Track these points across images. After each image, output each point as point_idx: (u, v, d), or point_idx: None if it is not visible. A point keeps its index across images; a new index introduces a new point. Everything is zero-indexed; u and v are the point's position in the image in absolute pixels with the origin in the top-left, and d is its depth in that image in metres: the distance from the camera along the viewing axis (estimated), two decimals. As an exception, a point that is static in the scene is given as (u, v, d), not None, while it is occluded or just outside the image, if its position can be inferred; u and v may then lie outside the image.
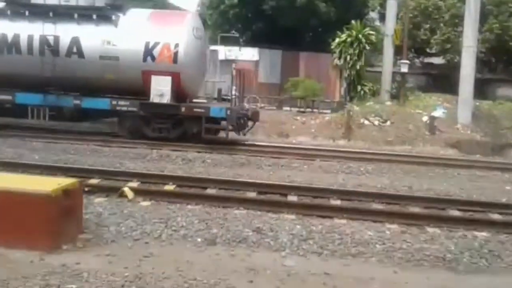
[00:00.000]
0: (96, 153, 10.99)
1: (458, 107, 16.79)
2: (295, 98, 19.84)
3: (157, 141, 12.34)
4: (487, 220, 7.03)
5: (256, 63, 22.23)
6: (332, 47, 20.38)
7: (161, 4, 26.06)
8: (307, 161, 11.20)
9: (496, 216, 7.25)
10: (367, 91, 20.13)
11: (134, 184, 7.96)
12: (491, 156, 14.33)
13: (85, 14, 12.98)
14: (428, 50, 24.80)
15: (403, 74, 19.32)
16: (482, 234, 6.38)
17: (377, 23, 26.29)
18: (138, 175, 8.50)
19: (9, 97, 13.14)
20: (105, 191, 7.53)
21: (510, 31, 22.13)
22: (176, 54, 12.60)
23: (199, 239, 5.74)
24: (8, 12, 13.31)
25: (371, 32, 20.62)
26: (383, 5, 22.91)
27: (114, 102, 12.85)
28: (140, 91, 12.79)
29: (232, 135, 13.08)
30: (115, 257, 5.03)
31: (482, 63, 21.56)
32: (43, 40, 12.90)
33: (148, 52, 12.66)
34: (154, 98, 12.61)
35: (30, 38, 13.00)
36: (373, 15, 27.13)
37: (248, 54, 22.22)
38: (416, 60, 25.58)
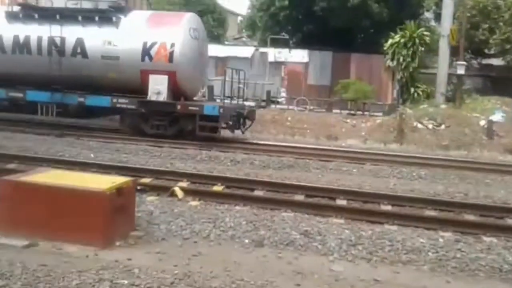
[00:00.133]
0: (148, 153, 11.27)
1: (519, 110, 15.96)
2: (346, 101, 19.58)
3: (156, 138, 12.86)
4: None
5: (306, 65, 22.12)
6: (385, 48, 19.95)
7: (212, 7, 26.53)
8: (356, 165, 10.99)
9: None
10: (420, 93, 19.55)
11: (184, 184, 8.10)
12: (555, 163, 13.50)
13: (88, 16, 13.66)
14: (486, 51, 23.71)
15: (459, 76, 18.60)
16: (544, 246, 6.01)
17: (432, 23, 25.45)
18: (187, 175, 8.64)
19: (20, 95, 14.03)
20: (156, 190, 7.72)
21: None
22: (172, 53, 13.03)
23: (246, 240, 5.77)
24: (20, 15, 14.18)
25: (426, 32, 20.00)
26: (438, 4, 22.14)
27: (114, 100, 13.45)
28: (139, 89, 13.28)
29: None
30: (165, 254, 5.14)
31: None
32: (51, 41, 13.66)
33: (146, 52, 13.15)
34: (151, 96, 13.12)
35: (39, 39, 13.81)
36: (428, 15, 26.30)
37: (298, 56, 22.16)
38: (474, 62, 24.52)
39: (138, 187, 7.01)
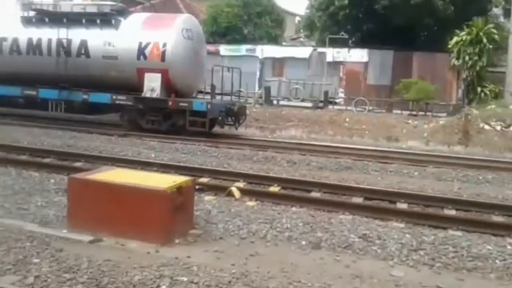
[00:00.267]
0: (206, 153, 11.49)
1: None
2: (407, 101, 18.94)
3: (150, 133, 13.67)
4: None
5: (365, 64, 21.64)
6: (449, 46, 19.11)
7: (270, 8, 26.59)
8: (418, 167, 10.60)
9: None
10: (488, 93, 18.57)
11: (241, 184, 8.18)
12: None
13: (91, 19, 14.69)
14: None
15: (531, 75, 17.47)
16: None
17: (501, 19, 24.08)
18: (244, 175, 8.71)
19: (34, 92, 15.24)
20: (214, 190, 7.85)
21: None
22: (164, 52, 13.84)
23: (303, 242, 5.72)
24: (34, 19, 15.43)
25: (494, 29, 18.94)
26: (508, 0, 20.93)
27: (114, 97, 14.40)
28: (136, 87, 14.12)
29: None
30: (223, 253, 5.20)
31: None
32: (59, 43, 14.81)
33: (141, 51, 14.03)
34: (146, 93, 14.01)
35: (49, 41, 14.97)
36: (497, 11, 24.91)
37: (357, 55, 21.74)
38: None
39: (197, 187, 7.15)
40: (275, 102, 20.41)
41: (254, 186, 8.23)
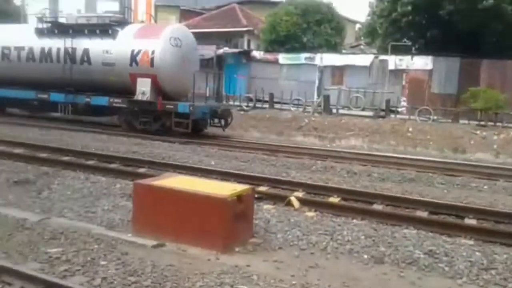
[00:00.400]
0: (264, 162, 11.50)
1: None
2: (475, 110, 18.02)
3: (143, 133, 14.74)
4: None
5: (430, 72, 20.85)
6: (521, 53, 18.02)
7: (330, 16, 26.36)
8: (488, 181, 10.04)
9: None
10: None
11: (300, 194, 8.10)
12: None
13: (93, 30, 16.33)
14: None
15: None
16: None
17: None
18: (303, 185, 8.62)
19: (46, 96, 17.02)
20: (272, 199, 7.82)
21: None
22: (152, 59, 15.17)
23: (365, 256, 5.55)
24: (45, 31, 17.26)
25: None
26: None
27: (111, 100, 15.85)
28: (130, 90, 15.49)
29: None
30: (282, 263, 5.16)
31: None
32: (66, 51, 16.54)
33: (133, 58, 15.40)
34: (138, 96, 15.31)
35: (58, 50, 16.76)
36: None
37: (421, 63, 20.99)
38: None
39: (256, 195, 7.15)
40: (334, 110, 20.14)
41: (313, 196, 8.12)
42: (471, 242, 6.12)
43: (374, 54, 23.65)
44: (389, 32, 23.13)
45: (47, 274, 4.30)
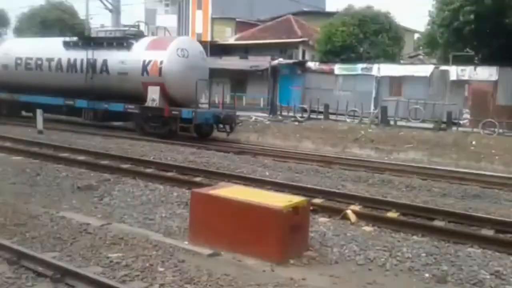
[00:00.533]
0: (318, 174, 11.35)
1: None
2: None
3: (154, 137, 15.92)
4: None
5: (495, 83, 19.87)
6: None
7: (388, 26, 25.80)
8: (560, 199, 9.35)
9: None
10: None
11: (356, 207, 7.90)
12: None
13: (110, 42, 18.07)
14: None
15: None
16: None
17: None
18: (360, 198, 8.41)
19: (72, 102, 18.76)
20: (328, 212, 7.69)
21: None
22: (161, 68, 16.60)
23: (426, 274, 5.31)
24: (71, 43, 19.21)
25: None
26: None
27: (126, 106, 17.32)
28: (142, 97, 16.87)
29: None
30: (338, 279, 5.04)
31: None
32: (88, 62, 18.21)
33: (145, 68, 16.91)
34: (149, 102, 16.74)
35: (81, 61, 18.51)
36: None
37: (485, 73, 20.05)
38: None
39: (311, 207, 7.05)
40: (392, 122, 19.62)
41: (371, 210, 7.89)
42: (544, 264, 5.69)
43: (434, 64, 22.89)
44: (450, 41, 22.29)
45: (108, 278, 4.43)
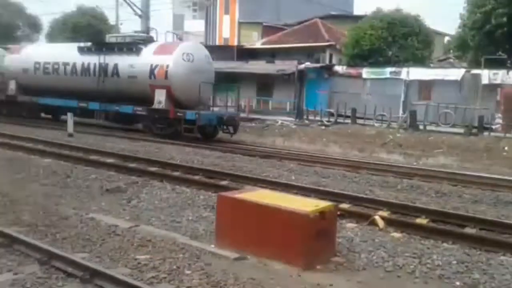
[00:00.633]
0: (346, 178, 11.22)
1: None
2: None
3: (160, 138, 16.74)
4: None
5: (529, 87, 19.32)
6: None
7: (417, 29, 25.40)
8: None
9: None
10: None
11: (385, 213, 7.77)
12: None
13: (121, 48, 19.07)
14: None
15: None
16: None
17: None
18: (388, 204, 8.25)
19: (85, 105, 19.77)
20: (355, 217, 7.59)
21: None
22: (166, 72, 17.42)
23: (457, 283, 5.16)
24: (85, 49, 20.29)
25: None
26: None
27: (135, 108, 18.21)
28: (150, 100, 17.70)
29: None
30: (366, 285, 4.96)
31: None
32: (100, 66, 19.19)
33: (152, 72, 17.76)
34: (155, 105, 17.56)
35: (94, 65, 19.50)
36: None
37: (518, 77, 19.52)
38: None
39: (338, 212, 6.97)
40: (421, 127, 19.27)
41: (399, 216, 7.74)
42: None
43: (465, 68, 22.40)
44: (481, 44, 21.80)
45: (136, 280, 4.47)
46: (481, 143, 16.13)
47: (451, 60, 30.14)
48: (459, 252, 6.07)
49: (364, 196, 8.93)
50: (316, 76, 25.21)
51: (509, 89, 19.78)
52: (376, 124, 20.40)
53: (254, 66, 27.55)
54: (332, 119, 21.72)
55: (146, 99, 17.85)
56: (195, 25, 44.34)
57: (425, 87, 21.78)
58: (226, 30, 40.23)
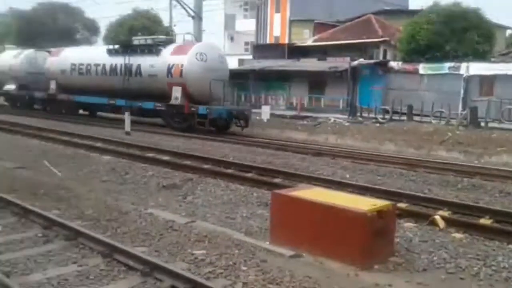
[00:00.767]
0: (402, 177, 10.90)
1: None
2: None
3: (178, 131, 18.54)
4: None
5: None
6: None
7: (477, 23, 24.23)
8: None
9: None
10: None
11: (445, 213, 7.46)
12: None
13: (143, 49, 20.88)
14: None
15: None
16: None
17: None
18: (448, 203, 7.93)
19: (114, 101, 21.71)
20: (413, 217, 7.35)
21: None
22: (182, 71, 19.06)
23: (526, 287, 4.88)
24: (113, 50, 22.22)
25: None
26: None
27: (155, 104, 19.96)
28: (168, 96, 19.41)
29: None
30: (427, 286, 4.79)
31: None
32: (125, 67, 21.03)
33: (169, 71, 19.49)
34: (173, 100, 19.26)
35: (121, 66, 21.34)
36: None
37: None
38: None
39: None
40: (482, 124, 18.39)
41: (461, 216, 7.41)
42: None
43: (530, 61, 21.16)
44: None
45: (194, 274, 4.54)
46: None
47: (515, 54, 28.55)
48: (527, 255, 5.73)
49: (422, 195, 8.64)
50: (370, 72, 24.66)
51: None
52: (433, 121, 19.67)
53: (306, 64, 27.34)
54: (387, 116, 21.18)
55: (164, 96, 19.46)
56: (246, 24, 44.69)
57: (486, 82, 20.74)
58: (277, 29, 40.24)
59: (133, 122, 18.33)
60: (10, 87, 27.60)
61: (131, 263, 4.86)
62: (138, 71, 20.75)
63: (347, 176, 10.63)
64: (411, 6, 40.11)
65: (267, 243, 5.80)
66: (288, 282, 4.49)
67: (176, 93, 19.17)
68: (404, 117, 20.66)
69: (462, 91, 21.07)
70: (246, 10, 47.20)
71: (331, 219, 5.38)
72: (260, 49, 34.50)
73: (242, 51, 43.34)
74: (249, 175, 10.34)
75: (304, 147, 15.47)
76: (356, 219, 5.22)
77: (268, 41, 39.67)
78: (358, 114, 22.85)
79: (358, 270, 5.02)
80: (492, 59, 24.61)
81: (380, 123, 20.14)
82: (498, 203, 8.39)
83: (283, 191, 6.27)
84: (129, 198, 8.10)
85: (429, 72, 22.30)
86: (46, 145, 14.03)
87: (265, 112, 22.82)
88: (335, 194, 6.56)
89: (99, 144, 14.15)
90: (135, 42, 21.90)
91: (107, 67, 22.18)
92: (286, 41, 35.59)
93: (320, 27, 34.80)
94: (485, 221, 7.11)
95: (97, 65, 22.71)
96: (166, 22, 37.99)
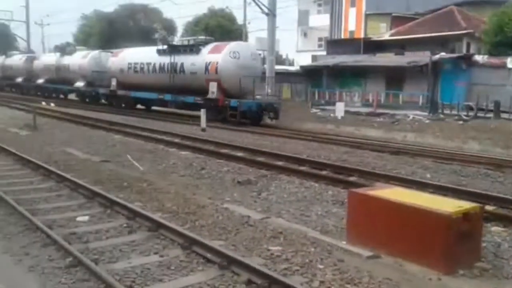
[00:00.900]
0: (488, 178, 10.22)
1: None
2: None
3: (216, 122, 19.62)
4: None
5: None
6: None
7: None
8: None
9: None
10: None
11: (540, 218, 6.89)
12: None
13: (185, 49, 23.18)
14: None
15: None
16: None
17: None
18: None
19: (162, 96, 24.11)
20: (502, 221, 6.86)
21: None
22: (217, 68, 21.02)
23: None
24: (162, 51, 24.50)
25: None
26: None
27: (195, 99, 21.92)
28: (205, 91, 21.39)
29: None
30: (517, 296, 4.44)
31: None
32: (171, 65, 23.30)
33: (207, 68, 21.50)
34: (209, 95, 21.22)
35: (168, 64, 23.62)
36: None
37: None
38: None
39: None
40: None
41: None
42: None
43: None
44: None
45: (270, 270, 4.56)
46: None
47: None
48: None
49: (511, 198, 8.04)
50: (452, 67, 23.40)
51: None
52: (523, 119, 18.31)
53: (382, 59, 26.52)
54: (471, 113, 19.99)
55: (203, 91, 21.53)
56: (320, 19, 44.19)
57: None
58: (352, 23, 39.40)
59: (177, 115, 20.69)
60: (80, 84, 31.43)
61: (209, 255, 4.98)
62: (182, 69, 22.85)
63: (428, 176, 10.16)
64: (497, -5, 37.44)
65: (344, 242, 5.69)
66: (367, 283, 4.37)
67: (212, 88, 21.11)
68: (490, 114, 19.38)
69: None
70: (320, 5, 46.68)
71: (412, 221, 5.16)
72: (334, 44, 33.99)
73: (316, 47, 42.93)
74: (323, 172, 10.20)
75: (380, 145, 15.01)
76: (440, 221, 4.96)
77: (342, 36, 38.98)
78: (440, 111, 21.77)
79: (441, 275, 4.78)
80: None
81: (464, 120, 19.05)
82: None
83: (360, 190, 6.12)
84: (206, 193, 8.31)
85: (519, 65, 20.76)
86: (128, 140, 14.80)
87: (339, 109, 22.45)
88: (416, 194, 6.28)
89: (176, 140, 14.69)
90: (179, 42, 24.44)
91: (157, 66, 24.51)
92: (362, 36, 34.74)
93: (397, 20, 33.61)
94: None
95: (149, 64, 25.14)
96: (240, 20, 38.63)
